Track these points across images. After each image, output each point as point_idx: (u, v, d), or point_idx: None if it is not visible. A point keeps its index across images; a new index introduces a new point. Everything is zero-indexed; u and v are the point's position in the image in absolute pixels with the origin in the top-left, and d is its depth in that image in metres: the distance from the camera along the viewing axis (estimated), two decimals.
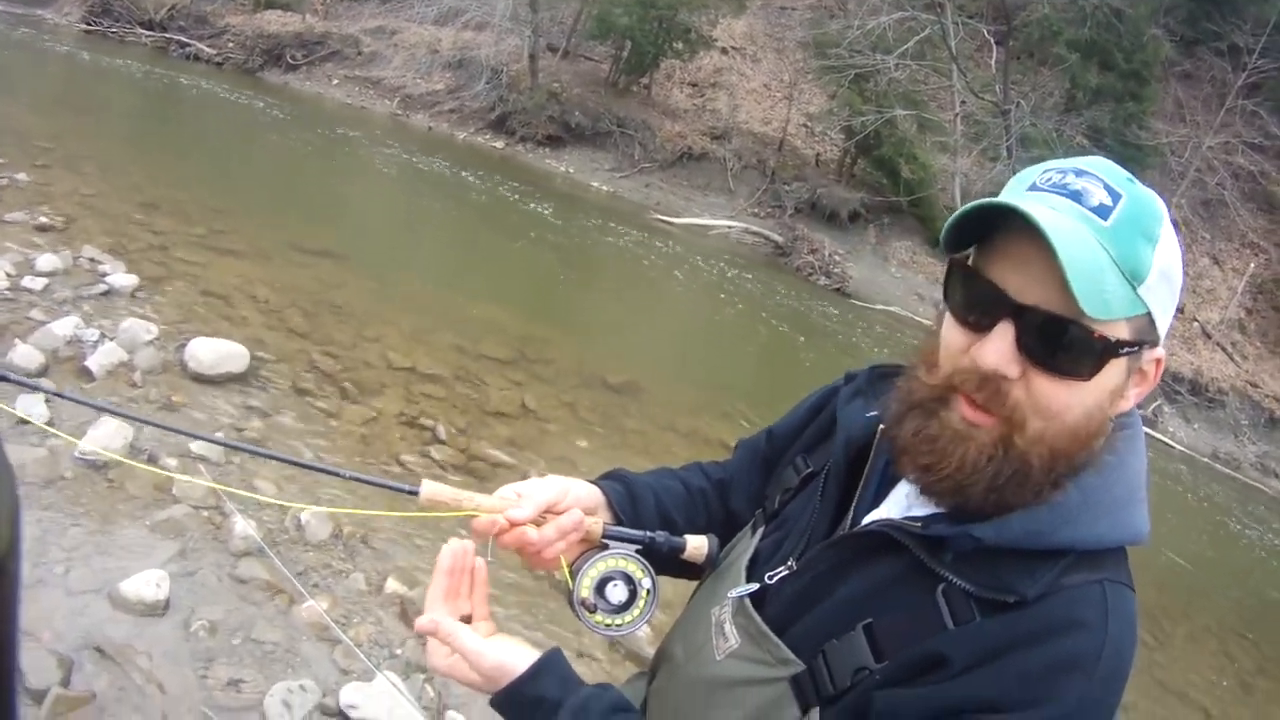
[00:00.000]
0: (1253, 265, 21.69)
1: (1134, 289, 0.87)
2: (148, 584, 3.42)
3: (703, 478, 1.39)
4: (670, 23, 21.92)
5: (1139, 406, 1.00)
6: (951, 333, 0.96)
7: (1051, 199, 0.90)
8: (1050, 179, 0.92)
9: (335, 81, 23.09)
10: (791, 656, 1.00)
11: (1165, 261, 0.89)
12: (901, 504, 1.04)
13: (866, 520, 1.05)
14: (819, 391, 1.31)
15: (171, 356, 5.54)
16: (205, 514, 4.08)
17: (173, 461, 4.40)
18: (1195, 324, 19.93)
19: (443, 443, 5.63)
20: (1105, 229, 0.87)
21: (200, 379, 5.38)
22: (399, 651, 3.61)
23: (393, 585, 4.00)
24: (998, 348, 0.89)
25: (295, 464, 1.33)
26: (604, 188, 20.39)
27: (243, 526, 4.01)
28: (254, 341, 6.05)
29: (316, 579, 3.91)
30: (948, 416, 0.93)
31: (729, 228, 19.76)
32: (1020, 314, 0.88)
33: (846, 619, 0.97)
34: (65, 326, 5.37)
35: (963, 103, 21.15)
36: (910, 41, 20.23)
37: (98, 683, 2.96)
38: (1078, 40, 21.54)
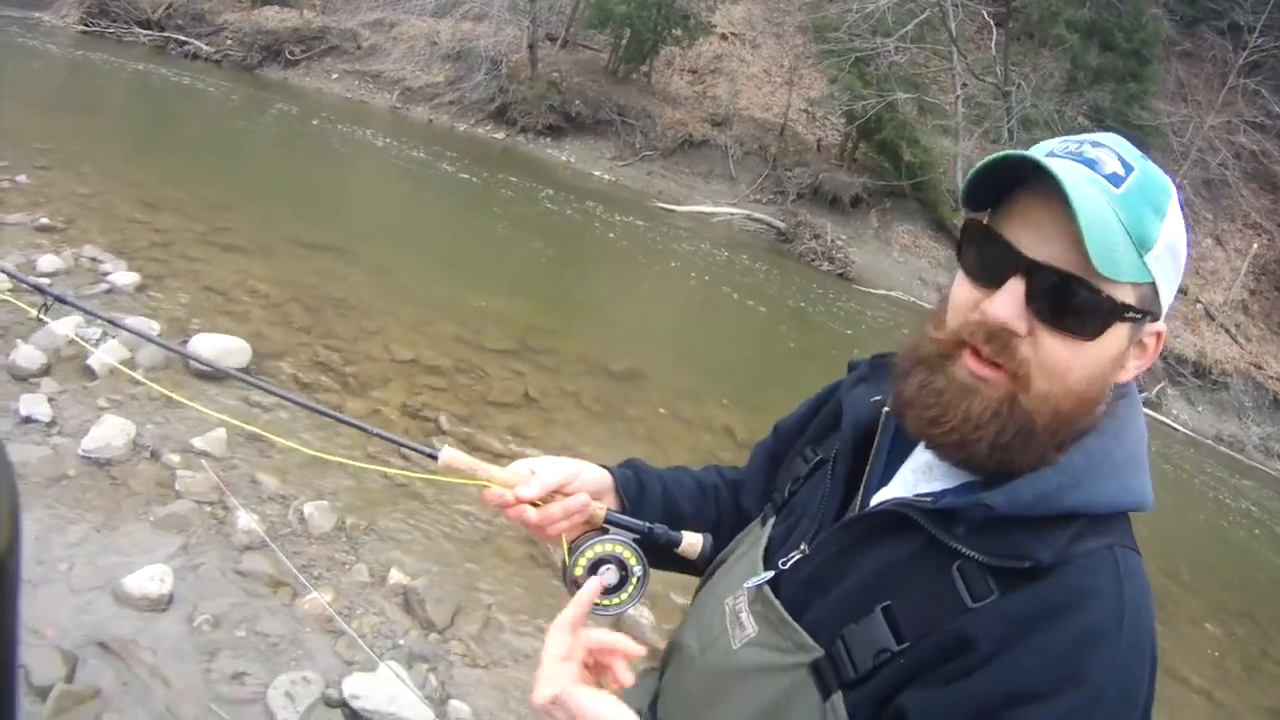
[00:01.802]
0: (1255, 246, 21.56)
1: (1140, 256, 0.89)
2: (151, 579, 3.43)
3: (717, 476, 1.43)
4: (669, 9, 21.83)
5: (1141, 389, 1.02)
6: (961, 289, 0.98)
7: (1068, 164, 0.91)
8: (1067, 148, 0.94)
9: (335, 76, 23.09)
10: (811, 642, 0.99)
11: (1171, 236, 0.92)
12: (909, 481, 1.05)
13: (876, 500, 1.06)
14: (825, 388, 1.33)
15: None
16: (208, 509, 4.10)
17: (175, 458, 4.41)
18: (1199, 305, 19.80)
19: (445, 434, 5.64)
20: (1117, 195, 0.89)
21: (203, 375, 5.39)
22: (401, 642, 3.62)
23: (396, 576, 4.00)
24: (1007, 300, 0.91)
25: (328, 415, 1.47)
26: (606, 176, 20.36)
27: (245, 520, 4.03)
28: (256, 336, 6.06)
29: (319, 571, 3.92)
30: (954, 370, 0.95)
31: (731, 214, 19.69)
32: (1031, 270, 0.90)
33: (863, 601, 0.97)
34: (66, 326, 5.37)
35: (963, 85, 21.03)
36: (910, 24, 20.14)
37: (102, 678, 2.98)
38: (1078, 20, 21.52)
